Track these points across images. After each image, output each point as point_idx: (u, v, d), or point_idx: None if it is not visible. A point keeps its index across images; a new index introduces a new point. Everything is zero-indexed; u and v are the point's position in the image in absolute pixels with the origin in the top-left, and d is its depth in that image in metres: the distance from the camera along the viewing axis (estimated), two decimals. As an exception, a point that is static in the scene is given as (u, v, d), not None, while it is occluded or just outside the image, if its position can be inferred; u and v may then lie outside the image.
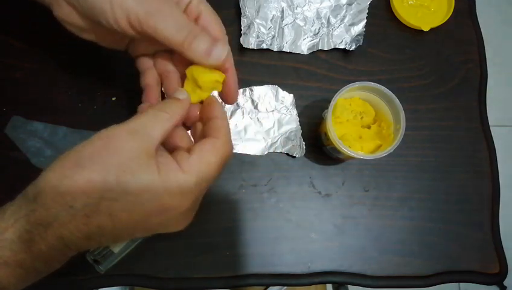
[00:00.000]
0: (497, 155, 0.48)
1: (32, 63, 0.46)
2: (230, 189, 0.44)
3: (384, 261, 0.44)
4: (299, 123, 0.46)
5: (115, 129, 0.25)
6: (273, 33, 0.47)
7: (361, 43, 0.48)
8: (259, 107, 0.46)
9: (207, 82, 0.30)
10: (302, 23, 0.48)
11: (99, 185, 0.23)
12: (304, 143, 0.45)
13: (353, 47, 0.47)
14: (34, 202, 0.23)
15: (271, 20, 0.47)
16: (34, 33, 0.46)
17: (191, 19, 0.30)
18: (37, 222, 0.23)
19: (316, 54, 0.49)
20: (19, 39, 0.46)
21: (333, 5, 0.49)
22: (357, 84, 0.39)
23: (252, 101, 0.46)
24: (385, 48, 0.50)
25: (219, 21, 0.31)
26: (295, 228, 0.44)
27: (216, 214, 0.43)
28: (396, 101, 0.39)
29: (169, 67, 0.32)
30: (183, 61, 0.31)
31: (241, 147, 0.45)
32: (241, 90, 0.46)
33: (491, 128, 0.49)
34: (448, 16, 0.50)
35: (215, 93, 0.32)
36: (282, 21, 0.48)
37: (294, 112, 0.46)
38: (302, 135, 0.45)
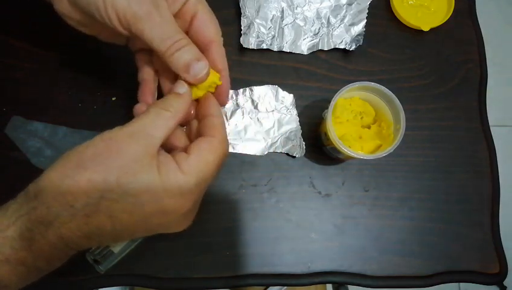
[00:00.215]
0: (497, 155, 0.48)
1: (32, 63, 0.46)
2: (230, 189, 0.44)
3: (384, 261, 0.44)
4: (299, 123, 0.46)
5: (118, 131, 0.25)
6: (273, 33, 0.47)
7: (361, 43, 0.48)
8: (259, 107, 0.46)
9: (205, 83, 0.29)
10: (302, 23, 0.48)
11: (99, 186, 0.23)
12: (303, 143, 0.45)
13: (353, 47, 0.48)
14: (35, 200, 0.23)
15: (271, 20, 0.47)
16: (34, 33, 0.46)
17: (187, 18, 0.30)
18: (38, 220, 0.23)
19: (316, 54, 0.49)
20: (19, 39, 0.46)
21: (333, 5, 0.49)
22: (357, 84, 0.39)
23: (252, 101, 0.46)
24: (385, 48, 0.50)
25: (215, 21, 0.31)
26: (295, 228, 0.44)
27: (216, 214, 0.43)
28: (396, 101, 0.39)
29: (166, 65, 0.32)
30: None
31: (241, 147, 0.45)
32: (241, 90, 0.46)
33: (491, 128, 0.49)
34: (448, 16, 0.50)
35: None
36: (282, 21, 0.48)
37: (294, 112, 0.46)
38: (302, 135, 0.45)
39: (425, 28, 0.49)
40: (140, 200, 0.24)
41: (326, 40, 0.48)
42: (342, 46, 0.48)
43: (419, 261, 0.44)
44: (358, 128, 0.42)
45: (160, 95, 0.35)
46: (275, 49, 0.47)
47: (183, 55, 0.27)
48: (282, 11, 0.48)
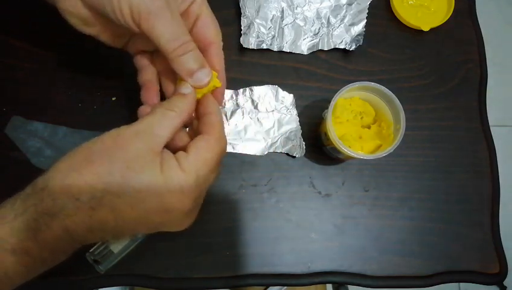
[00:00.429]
0: (497, 155, 0.48)
1: (32, 63, 0.46)
2: (230, 189, 0.44)
3: (384, 261, 0.44)
4: (299, 123, 0.46)
5: (125, 129, 0.25)
6: (273, 33, 0.47)
7: (361, 43, 0.48)
8: (259, 107, 0.46)
9: None
10: (302, 23, 0.48)
11: (104, 180, 0.24)
12: (303, 143, 0.45)
13: (353, 47, 0.48)
14: (42, 191, 0.24)
15: (271, 20, 0.47)
16: (34, 33, 0.46)
17: (192, 18, 0.31)
18: (44, 211, 0.23)
19: (316, 54, 0.49)
20: (19, 39, 0.46)
21: (333, 5, 0.49)
22: (357, 84, 0.39)
23: (252, 101, 0.46)
24: (385, 48, 0.50)
25: (216, 23, 0.32)
26: (295, 228, 0.44)
27: (216, 214, 0.43)
28: (396, 101, 0.39)
29: (168, 66, 0.33)
30: None
31: (241, 147, 0.45)
32: (241, 90, 0.46)
33: (491, 128, 0.49)
34: (448, 16, 0.50)
35: None
36: (282, 21, 0.48)
37: (294, 112, 0.46)
38: (302, 135, 0.45)
39: (425, 28, 0.49)
40: (142, 195, 0.24)
41: (326, 40, 0.48)
42: (342, 46, 0.48)
43: (419, 261, 0.44)
44: (358, 128, 0.42)
45: (162, 96, 0.35)
46: (275, 49, 0.47)
47: (188, 61, 0.28)
48: (282, 11, 0.48)
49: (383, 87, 0.39)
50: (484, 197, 0.47)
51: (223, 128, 0.29)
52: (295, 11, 0.48)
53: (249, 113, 0.46)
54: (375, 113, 0.42)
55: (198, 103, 0.31)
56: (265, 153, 0.45)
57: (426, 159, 0.47)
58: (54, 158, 0.43)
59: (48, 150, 0.43)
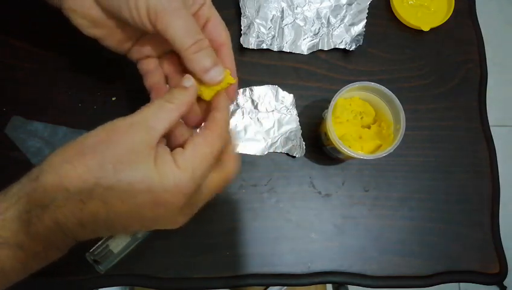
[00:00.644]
0: (497, 155, 0.48)
1: (32, 63, 0.46)
2: (230, 189, 0.44)
3: (384, 261, 0.44)
4: (299, 123, 0.46)
5: (120, 122, 0.25)
6: (273, 33, 0.47)
7: (361, 43, 0.48)
8: (259, 107, 0.46)
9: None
10: (302, 23, 0.48)
11: (95, 172, 0.23)
12: (303, 143, 0.45)
13: (353, 47, 0.48)
14: (34, 182, 0.24)
15: (271, 20, 0.47)
16: (34, 33, 0.46)
17: (202, 21, 0.31)
18: (35, 202, 0.23)
19: (316, 54, 0.49)
20: (19, 39, 0.46)
21: (333, 5, 0.49)
22: (357, 84, 0.39)
23: (252, 101, 0.46)
24: (385, 48, 0.50)
25: (225, 26, 0.32)
26: (295, 228, 0.44)
27: (216, 214, 0.44)
28: (396, 101, 0.39)
29: (177, 68, 0.33)
30: None
31: (241, 147, 0.45)
32: (241, 90, 0.46)
33: (491, 128, 0.49)
34: (448, 16, 0.50)
35: None
36: (282, 21, 0.48)
37: (294, 112, 0.46)
38: (302, 135, 0.45)
39: (425, 28, 0.49)
40: (134, 188, 0.24)
41: (326, 40, 0.48)
42: (342, 46, 0.48)
43: (419, 261, 0.44)
44: (358, 128, 0.42)
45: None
46: (275, 49, 0.47)
47: (203, 58, 0.28)
48: (282, 11, 0.48)
49: (383, 87, 0.39)
50: (484, 197, 0.47)
51: (226, 125, 0.28)
52: (295, 11, 0.48)
53: (249, 113, 0.46)
54: (375, 113, 0.42)
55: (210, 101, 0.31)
56: (265, 153, 0.45)
57: (426, 159, 0.47)
58: (54, 158, 0.43)
59: (48, 150, 0.43)
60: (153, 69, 0.33)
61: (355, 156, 0.38)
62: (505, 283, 1.06)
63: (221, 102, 0.29)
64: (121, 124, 0.25)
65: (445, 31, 0.51)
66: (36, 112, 0.44)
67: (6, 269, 0.24)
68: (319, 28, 0.48)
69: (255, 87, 0.46)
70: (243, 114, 0.45)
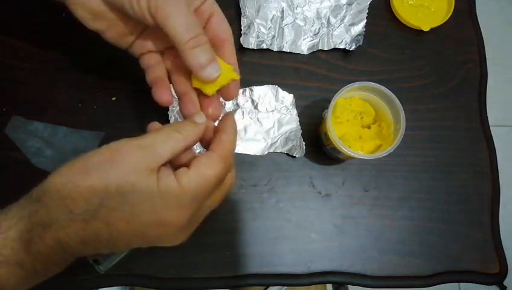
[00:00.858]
0: (497, 155, 0.48)
1: (32, 63, 0.46)
2: (230, 189, 0.44)
3: (384, 261, 0.44)
4: (299, 123, 0.46)
5: (125, 143, 0.25)
6: (273, 33, 0.47)
7: (361, 43, 0.48)
8: (259, 107, 0.46)
9: (222, 78, 0.30)
10: (302, 23, 0.48)
11: (99, 193, 0.23)
12: (303, 143, 0.45)
13: (353, 47, 0.48)
14: (37, 202, 0.24)
15: (271, 20, 0.47)
16: (34, 33, 0.46)
17: (204, 16, 0.31)
18: (37, 222, 0.23)
19: (316, 54, 0.49)
20: (19, 39, 0.46)
21: (333, 5, 0.49)
22: (357, 84, 0.39)
23: (252, 101, 0.46)
24: (385, 48, 0.50)
25: (227, 22, 0.32)
26: (295, 228, 0.44)
27: (216, 214, 0.43)
28: (396, 101, 0.39)
29: (178, 63, 0.33)
30: None
31: (241, 147, 0.45)
32: (241, 90, 0.46)
33: (491, 128, 0.49)
34: (448, 16, 0.50)
35: None
36: (282, 21, 0.48)
37: (294, 112, 0.46)
38: (302, 135, 0.45)
39: (425, 28, 0.49)
40: (137, 209, 0.24)
41: (326, 40, 0.48)
42: (342, 46, 0.48)
43: (419, 261, 0.44)
44: (358, 128, 0.42)
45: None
46: (275, 49, 0.47)
47: (200, 54, 0.28)
48: (282, 11, 0.48)
49: (383, 87, 0.39)
50: (484, 197, 0.47)
51: (230, 147, 0.28)
52: (295, 11, 0.48)
53: (249, 113, 0.46)
54: (375, 113, 0.42)
55: (219, 122, 0.31)
56: (265, 153, 0.45)
57: (426, 159, 0.47)
58: (54, 158, 0.43)
59: (48, 150, 0.43)
60: (154, 64, 0.33)
61: (355, 156, 0.38)
62: (505, 283, 1.06)
63: (229, 124, 0.29)
64: (127, 144, 0.25)
65: (445, 31, 0.51)
66: (36, 112, 0.44)
67: (4, 285, 0.24)
68: (319, 28, 0.48)
69: (255, 87, 0.46)
70: (243, 114, 0.45)
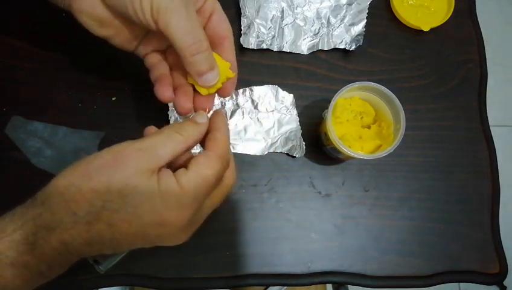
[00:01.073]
0: (497, 155, 0.48)
1: (32, 63, 0.46)
2: (231, 188, 0.44)
3: (384, 261, 0.44)
4: (299, 123, 0.46)
5: (127, 145, 0.26)
6: (273, 33, 0.47)
7: (361, 43, 0.48)
8: (259, 107, 0.46)
9: (221, 75, 0.31)
10: (302, 23, 0.48)
11: (102, 196, 0.24)
12: (303, 143, 0.45)
13: (353, 47, 0.48)
14: (41, 206, 0.24)
15: (271, 20, 0.47)
16: (34, 33, 0.46)
17: (206, 14, 0.32)
18: (42, 225, 0.24)
19: (316, 54, 0.49)
20: (19, 39, 0.46)
21: (333, 5, 0.49)
22: (357, 84, 0.39)
23: (252, 101, 0.46)
24: (385, 48, 0.50)
25: (227, 20, 0.33)
26: (295, 228, 0.44)
27: (216, 214, 0.43)
28: (396, 101, 0.39)
29: (180, 60, 0.33)
30: None
31: (241, 147, 0.45)
32: (241, 90, 0.46)
33: (491, 128, 0.49)
34: (448, 16, 0.50)
35: None
36: (282, 21, 0.48)
37: (294, 112, 0.46)
38: (302, 135, 0.45)
39: (425, 28, 0.49)
40: (139, 211, 0.24)
41: (326, 40, 0.48)
42: (342, 46, 0.48)
43: (419, 261, 0.44)
44: (358, 128, 0.42)
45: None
46: (275, 49, 0.47)
47: (200, 61, 0.29)
48: (282, 11, 0.48)
49: (383, 87, 0.39)
50: (484, 197, 0.47)
51: (226, 145, 0.29)
52: (295, 11, 0.48)
53: (249, 113, 0.46)
54: (375, 113, 0.42)
55: (210, 118, 0.31)
56: (265, 153, 0.45)
57: (426, 159, 0.47)
58: (54, 158, 0.43)
59: (48, 150, 0.43)
60: (157, 62, 0.34)
61: (355, 156, 0.38)
62: (505, 283, 1.06)
63: (220, 122, 0.30)
64: (128, 147, 0.26)
65: (445, 31, 0.51)
66: (36, 112, 0.44)
67: (10, 287, 0.24)
68: (319, 28, 0.48)
69: (255, 87, 0.46)
70: (243, 114, 0.45)
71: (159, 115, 0.44)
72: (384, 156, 0.38)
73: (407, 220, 0.45)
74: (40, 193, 0.25)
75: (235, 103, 0.46)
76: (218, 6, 0.32)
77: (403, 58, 0.50)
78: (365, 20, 0.48)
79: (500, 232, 0.46)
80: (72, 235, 0.24)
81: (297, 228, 0.44)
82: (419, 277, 0.44)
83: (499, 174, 0.47)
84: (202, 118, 0.29)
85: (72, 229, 0.24)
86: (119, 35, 0.32)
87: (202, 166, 0.26)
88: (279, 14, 0.48)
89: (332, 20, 0.48)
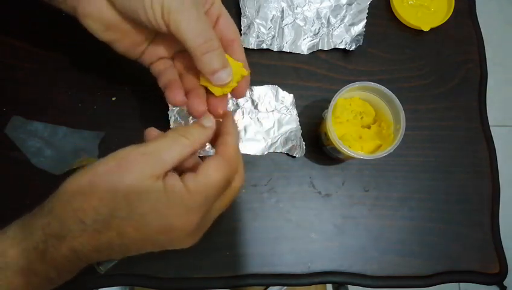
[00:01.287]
0: (497, 155, 0.48)
1: (32, 63, 0.46)
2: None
3: (384, 261, 0.44)
4: (299, 123, 0.46)
5: (131, 151, 0.25)
6: (273, 33, 0.47)
7: (361, 43, 0.48)
8: (259, 107, 0.46)
9: (233, 75, 0.30)
10: (302, 23, 0.48)
11: (109, 204, 0.24)
12: (303, 143, 0.45)
13: (353, 47, 0.48)
14: (49, 215, 0.24)
15: (271, 20, 0.47)
16: (34, 33, 0.46)
17: (213, 18, 0.32)
18: (51, 234, 0.24)
19: (316, 54, 0.49)
20: (19, 39, 0.46)
21: (333, 5, 0.49)
22: (357, 84, 0.39)
23: (252, 101, 0.46)
24: (385, 48, 0.50)
25: (234, 23, 0.33)
26: (295, 228, 0.44)
27: (216, 214, 0.43)
28: (396, 101, 0.39)
29: (189, 65, 0.33)
30: None
31: (241, 147, 0.45)
32: (241, 90, 0.46)
33: (491, 128, 0.49)
34: (448, 16, 0.50)
35: None
36: (282, 21, 0.48)
37: (294, 112, 0.46)
38: (302, 135, 0.45)
39: (425, 28, 0.49)
40: (147, 218, 0.24)
41: (326, 40, 0.48)
42: (342, 46, 0.48)
43: (419, 261, 0.44)
44: (358, 128, 0.42)
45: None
46: (275, 49, 0.47)
47: (213, 60, 0.28)
48: (282, 11, 0.48)
49: (383, 87, 0.39)
50: (484, 197, 0.47)
51: (237, 150, 0.29)
52: (295, 11, 0.48)
53: (249, 113, 0.46)
54: (375, 113, 0.42)
55: (219, 121, 0.31)
56: (265, 153, 0.45)
57: (426, 159, 0.47)
58: (54, 158, 0.43)
59: (48, 150, 0.43)
60: (165, 69, 0.33)
61: (355, 156, 0.38)
62: (505, 283, 1.06)
63: (231, 126, 0.29)
64: (132, 153, 0.25)
65: (445, 31, 0.51)
66: (36, 112, 0.44)
67: None
68: (319, 28, 0.48)
69: (255, 87, 0.46)
70: (243, 114, 0.45)
71: (159, 115, 0.44)
72: (384, 156, 0.38)
73: (407, 220, 0.45)
74: (47, 201, 0.25)
75: (235, 102, 0.46)
76: (225, 9, 0.32)
77: (403, 58, 0.50)
78: (365, 20, 0.48)
79: (500, 232, 0.46)
80: (82, 243, 0.24)
81: (297, 228, 0.44)
82: (419, 277, 0.44)
83: (499, 174, 0.47)
84: (209, 122, 0.29)
85: (81, 237, 0.24)
86: (123, 40, 0.32)
87: (211, 170, 0.26)
88: (279, 14, 0.48)
89: (332, 20, 0.48)
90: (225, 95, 0.32)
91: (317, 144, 0.46)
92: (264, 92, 0.46)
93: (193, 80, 0.32)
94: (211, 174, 0.26)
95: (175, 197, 0.25)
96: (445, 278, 0.44)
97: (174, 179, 0.25)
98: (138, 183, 0.24)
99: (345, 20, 0.48)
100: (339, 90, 0.39)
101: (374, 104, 0.42)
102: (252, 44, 0.46)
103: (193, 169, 0.27)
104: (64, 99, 0.45)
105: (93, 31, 0.31)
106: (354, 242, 0.44)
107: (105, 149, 0.44)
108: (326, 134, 0.40)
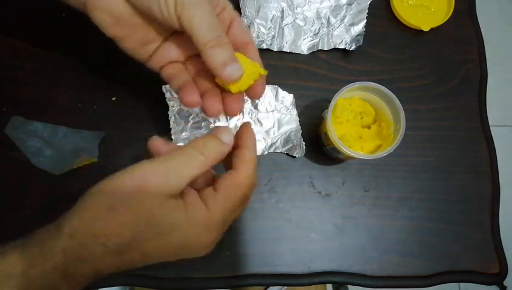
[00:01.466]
0: (497, 155, 0.48)
1: (32, 63, 0.46)
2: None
3: (384, 261, 0.44)
4: (299, 123, 0.46)
5: (148, 169, 0.25)
6: (273, 33, 0.47)
7: (361, 43, 0.48)
8: (259, 107, 0.46)
9: (250, 73, 0.30)
10: (302, 23, 0.48)
11: (130, 228, 0.24)
12: (303, 143, 0.45)
13: (353, 47, 0.48)
14: (70, 239, 0.24)
15: (271, 20, 0.47)
16: (34, 33, 0.46)
17: (226, 23, 0.32)
18: (74, 257, 0.24)
19: (316, 54, 0.49)
20: (19, 39, 0.46)
21: (333, 5, 0.49)
22: (357, 84, 0.39)
23: (252, 101, 0.46)
24: (385, 48, 0.50)
25: (245, 26, 0.33)
26: (295, 228, 0.44)
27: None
28: (396, 101, 0.39)
29: (202, 69, 0.32)
30: None
31: (241, 147, 0.45)
32: (241, 90, 0.46)
33: (491, 128, 0.49)
34: (448, 16, 0.50)
35: None
36: (282, 21, 0.48)
37: (294, 112, 0.46)
38: (302, 135, 0.45)
39: (425, 28, 0.49)
40: (169, 238, 0.25)
41: (326, 40, 0.48)
42: (342, 46, 0.48)
43: (419, 261, 0.44)
44: (358, 128, 0.42)
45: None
46: (275, 49, 0.47)
47: (221, 53, 0.28)
48: (282, 11, 0.48)
49: (383, 87, 0.39)
50: (484, 197, 0.47)
51: (253, 164, 0.28)
52: (295, 11, 0.48)
53: (249, 113, 0.46)
54: (375, 113, 0.42)
55: (237, 132, 0.30)
56: (265, 153, 0.45)
57: (426, 159, 0.47)
58: (54, 158, 0.43)
59: (48, 150, 0.43)
60: (178, 72, 0.33)
61: (355, 156, 0.38)
62: (505, 283, 1.06)
63: (250, 138, 0.29)
64: (149, 172, 0.25)
65: (445, 31, 0.51)
66: (36, 112, 0.44)
67: None
68: (319, 28, 0.48)
69: (255, 87, 0.46)
70: (243, 114, 0.45)
71: (159, 115, 0.44)
72: (384, 156, 0.38)
73: (407, 220, 0.45)
74: (66, 223, 0.25)
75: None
76: (237, 14, 0.32)
77: (403, 58, 0.50)
78: (365, 20, 0.48)
79: (500, 232, 0.46)
80: (104, 263, 0.24)
81: (297, 228, 0.44)
82: (419, 277, 0.44)
83: (499, 174, 0.48)
84: (227, 137, 0.28)
85: (103, 258, 0.24)
86: (132, 37, 0.31)
87: (231, 189, 0.26)
88: (279, 14, 0.48)
89: (332, 20, 0.48)
90: (241, 94, 0.32)
91: (317, 144, 0.46)
92: (264, 92, 0.46)
93: (207, 83, 0.32)
94: (230, 194, 0.26)
95: (195, 216, 0.25)
96: (445, 278, 0.44)
97: (193, 197, 0.26)
98: (158, 205, 0.25)
99: (345, 20, 0.48)
100: (339, 90, 0.39)
101: (374, 104, 0.42)
102: (252, 44, 0.46)
103: (207, 182, 0.27)
104: (64, 99, 0.45)
105: (100, 24, 0.30)
106: (354, 242, 0.44)
107: (105, 149, 0.44)
108: (326, 134, 0.40)
